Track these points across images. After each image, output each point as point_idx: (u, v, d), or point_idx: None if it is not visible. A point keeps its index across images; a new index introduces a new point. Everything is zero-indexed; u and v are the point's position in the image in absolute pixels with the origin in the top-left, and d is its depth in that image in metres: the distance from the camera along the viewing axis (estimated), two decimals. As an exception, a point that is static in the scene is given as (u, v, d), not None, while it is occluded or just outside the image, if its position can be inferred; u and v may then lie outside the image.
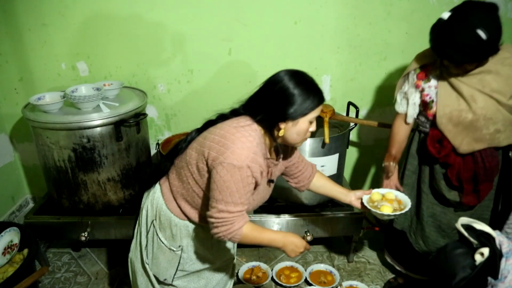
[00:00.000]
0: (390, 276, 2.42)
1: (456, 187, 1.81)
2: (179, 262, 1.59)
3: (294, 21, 2.55)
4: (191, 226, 1.54)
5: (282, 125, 1.36)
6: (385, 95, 2.80)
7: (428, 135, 1.81)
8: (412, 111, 1.88)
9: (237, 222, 1.35)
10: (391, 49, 2.66)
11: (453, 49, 1.53)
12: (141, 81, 2.67)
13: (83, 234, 2.26)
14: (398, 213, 1.55)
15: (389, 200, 1.64)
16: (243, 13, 2.51)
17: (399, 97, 1.93)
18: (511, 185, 1.87)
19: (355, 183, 3.12)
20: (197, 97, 2.73)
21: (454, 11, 1.59)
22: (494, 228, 1.41)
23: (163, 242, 1.57)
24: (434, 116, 1.76)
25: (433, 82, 1.76)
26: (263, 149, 1.41)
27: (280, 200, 2.38)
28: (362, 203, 1.66)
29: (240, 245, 2.57)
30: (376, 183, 3.11)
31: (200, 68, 2.65)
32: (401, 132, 1.95)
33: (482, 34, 1.48)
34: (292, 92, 1.33)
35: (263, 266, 2.43)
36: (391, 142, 1.98)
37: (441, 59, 1.64)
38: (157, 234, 1.58)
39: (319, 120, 2.36)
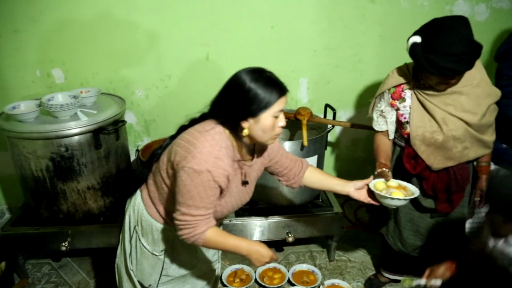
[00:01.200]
0: (370, 273, 2.48)
1: (431, 196, 1.88)
2: (162, 267, 1.60)
3: (270, 25, 2.59)
4: (172, 230, 1.53)
5: (245, 124, 1.34)
6: (361, 96, 2.87)
7: (404, 152, 1.86)
8: (392, 128, 1.91)
9: (199, 226, 1.36)
10: (365, 52, 2.73)
11: (454, 62, 1.54)
12: (119, 87, 2.65)
13: (63, 244, 2.23)
14: (408, 197, 1.57)
15: (395, 187, 1.66)
16: (220, 18, 2.53)
17: (375, 116, 1.94)
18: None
19: (334, 183, 3.18)
20: (176, 102, 2.73)
21: (432, 30, 1.61)
22: None
23: (145, 248, 1.57)
24: (409, 135, 1.82)
25: (407, 102, 1.81)
26: (231, 151, 1.40)
27: (261, 202, 2.41)
28: (367, 192, 1.66)
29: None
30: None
31: (178, 73, 2.65)
32: (384, 143, 1.94)
33: (473, 40, 1.55)
34: (248, 88, 1.31)
35: (246, 268, 2.45)
36: (378, 154, 1.91)
37: (441, 76, 1.62)
38: (139, 240, 1.58)
39: (298, 122, 2.41)
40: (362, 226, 2.84)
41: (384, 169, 1.77)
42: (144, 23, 2.49)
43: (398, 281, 2.31)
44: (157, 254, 1.57)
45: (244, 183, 1.51)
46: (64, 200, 2.19)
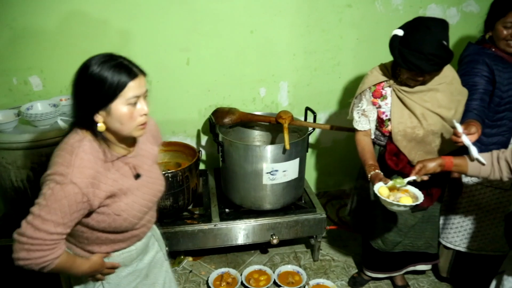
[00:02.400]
0: (354, 271, 2.54)
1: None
2: None
3: (250, 30, 2.62)
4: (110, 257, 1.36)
5: (98, 118, 1.17)
6: (340, 98, 2.93)
7: (386, 149, 1.92)
8: (373, 127, 1.97)
9: (58, 249, 1.15)
10: (343, 54, 2.79)
11: (422, 60, 1.62)
12: (99, 94, 2.63)
13: (46, 254, 2.20)
14: (415, 203, 1.62)
15: (397, 190, 1.70)
16: (200, 23, 2.54)
17: (357, 116, 1.97)
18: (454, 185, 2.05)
19: (316, 184, 3.24)
20: (157, 108, 2.71)
21: (412, 26, 1.70)
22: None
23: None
24: (390, 132, 1.89)
25: (388, 99, 1.87)
26: (100, 154, 1.20)
27: (245, 206, 2.43)
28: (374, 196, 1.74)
29: (209, 252, 2.62)
30: (337, 183, 3.25)
31: (158, 79, 2.65)
32: (367, 144, 1.97)
33: (445, 44, 1.63)
34: (91, 74, 1.12)
35: (232, 271, 2.47)
36: (365, 156, 1.93)
37: (409, 71, 1.70)
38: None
39: (279, 126, 2.45)
40: (344, 225, 2.90)
41: (376, 171, 1.82)
42: (123, 28, 2.48)
43: (381, 279, 2.37)
44: None
45: (137, 176, 1.31)
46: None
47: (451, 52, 1.66)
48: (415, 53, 1.62)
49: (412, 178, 1.68)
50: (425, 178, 1.68)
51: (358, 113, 1.97)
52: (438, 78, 1.80)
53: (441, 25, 1.66)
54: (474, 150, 1.61)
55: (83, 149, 1.17)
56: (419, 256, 2.18)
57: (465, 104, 1.88)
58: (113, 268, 1.37)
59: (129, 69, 1.17)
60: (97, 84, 1.13)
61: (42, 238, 1.10)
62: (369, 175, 1.82)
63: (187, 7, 2.48)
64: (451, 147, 1.89)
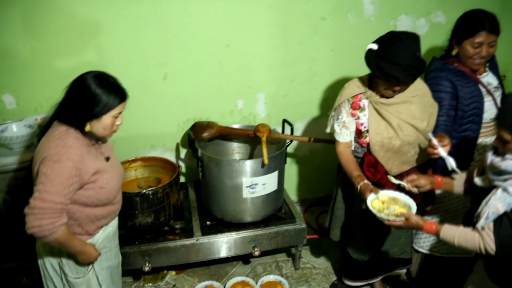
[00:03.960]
0: (334, 278, 2.60)
1: None
2: (97, 278, 1.70)
3: (226, 44, 2.64)
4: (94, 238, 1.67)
5: (88, 123, 1.50)
6: (317, 108, 2.99)
7: (364, 161, 1.97)
8: (353, 138, 2.02)
9: (63, 217, 1.45)
10: (319, 65, 2.85)
11: (399, 71, 1.70)
12: (75, 111, 2.60)
13: (25, 279, 2.18)
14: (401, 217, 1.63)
15: (388, 202, 1.73)
16: (176, 38, 2.55)
17: (337, 127, 2.00)
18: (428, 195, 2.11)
19: (296, 191, 3.29)
20: (135, 123, 2.71)
21: (386, 40, 1.77)
22: None
23: (77, 279, 1.64)
24: (368, 144, 1.94)
25: (366, 111, 1.93)
26: (82, 141, 1.53)
27: (226, 219, 2.46)
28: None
29: (192, 265, 2.63)
30: (316, 189, 3.31)
31: (135, 94, 2.59)
32: (350, 156, 2.01)
33: (419, 55, 1.73)
34: (94, 93, 1.46)
35: (216, 284, 2.50)
36: (350, 168, 1.95)
37: (387, 82, 1.77)
38: (65, 275, 1.63)
39: (258, 138, 2.48)
40: (324, 233, 2.96)
41: (365, 181, 1.85)
42: (98, 44, 2.46)
43: (360, 286, 2.43)
44: (84, 274, 1.65)
45: (107, 159, 1.68)
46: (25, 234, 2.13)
47: (424, 62, 1.76)
48: (392, 64, 1.70)
49: (403, 183, 1.75)
50: (414, 190, 1.75)
51: (339, 125, 2.00)
52: (411, 90, 1.88)
53: (413, 38, 1.75)
54: (452, 161, 1.70)
55: (71, 136, 1.49)
56: (394, 261, 2.26)
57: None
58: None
59: (121, 92, 1.53)
60: (94, 101, 1.46)
61: (50, 207, 1.40)
62: (358, 186, 1.85)
63: (163, 23, 2.48)
64: (426, 158, 1.97)
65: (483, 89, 2.04)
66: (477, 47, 1.92)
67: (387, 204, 1.74)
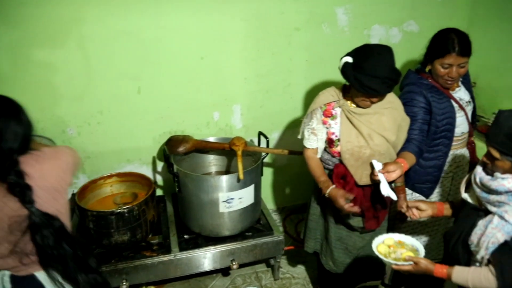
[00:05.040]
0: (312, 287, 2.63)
1: (358, 215, 2.03)
2: None
3: (200, 56, 2.63)
4: None
5: None
6: (292, 118, 3.00)
7: (333, 172, 1.99)
8: (321, 146, 2.04)
9: None
10: (294, 76, 2.87)
11: (378, 83, 1.73)
12: (48, 127, 2.55)
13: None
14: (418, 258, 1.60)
15: (395, 246, 1.71)
16: (149, 52, 2.53)
17: (307, 133, 2.02)
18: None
19: (274, 200, 3.30)
20: (111, 137, 2.69)
21: (362, 53, 1.79)
22: None
23: None
24: (338, 153, 1.96)
25: (338, 119, 1.95)
26: None
27: (204, 233, 2.45)
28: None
29: (171, 279, 2.62)
30: (294, 198, 3.33)
31: (110, 108, 2.61)
32: (316, 161, 2.05)
33: (395, 67, 1.77)
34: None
35: (195, 298, 2.50)
36: (316, 173, 2.00)
37: (366, 94, 1.80)
38: None
39: (234, 152, 2.48)
40: (302, 242, 2.98)
41: (332, 187, 1.90)
42: (69, 59, 2.42)
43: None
44: None
45: None
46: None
47: (400, 73, 1.81)
48: (371, 78, 1.73)
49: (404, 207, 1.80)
50: (415, 216, 1.81)
51: (308, 131, 2.02)
52: (384, 102, 1.92)
53: (389, 51, 1.79)
54: (383, 188, 1.78)
55: None
56: (369, 272, 2.29)
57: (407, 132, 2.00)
58: None
59: None
60: None
61: None
62: (327, 192, 1.88)
63: (135, 36, 2.46)
64: None
65: (455, 105, 2.08)
66: (446, 68, 1.95)
67: (394, 248, 1.71)
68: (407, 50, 2.92)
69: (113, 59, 2.48)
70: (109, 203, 2.45)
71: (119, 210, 2.18)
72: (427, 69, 2.06)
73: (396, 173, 1.80)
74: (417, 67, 2.14)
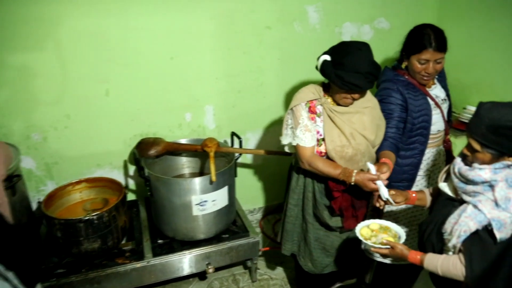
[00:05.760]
0: (290, 288, 2.62)
1: (338, 214, 2.02)
2: None
3: (170, 56, 2.57)
4: None
5: None
6: (266, 117, 2.98)
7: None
8: (315, 144, 1.94)
9: None
10: (266, 75, 2.84)
11: (360, 79, 1.72)
12: (10, 133, 2.44)
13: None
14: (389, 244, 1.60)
15: (378, 230, 1.71)
16: (116, 53, 2.45)
17: (300, 132, 1.89)
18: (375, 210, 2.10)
19: (251, 200, 3.26)
20: (79, 142, 2.59)
21: (342, 50, 1.78)
22: None
23: None
24: (321, 153, 1.93)
25: (322, 117, 1.92)
26: None
27: (178, 237, 2.40)
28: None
29: (146, 286, 2.55)
30: (271, 197, 3.30)
31: (77, 112, 2.52)
32: (323, 158, 1.92)
33: (375, 62, 1.77)
34: None
35: (170, 304, 2.44)
36: (330, 169, 1.86)
37: (348, 91, 1.79)
38: None
39: (207, 153, 2.43)
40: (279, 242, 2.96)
41: (356, 171, 1.80)
42: (35, 62, 2.32)
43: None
44: None
45: None
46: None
47: (380, 67, 1.82)
48: (353, 73, 1.72)
49: (386, 196, 1.73)
50: (394, 204, 1.75)
51: (301, 130, 1.88)
52: (364, 101, 1.91)
53: (368, 47, 1.80)
54: (385, 192, 1.72)
55: None
56: (346, 272, 2.29)
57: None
58: None
59: None
60: None
61: None
62: (353, 179, 1.80)
63: (101, 37, 2.39)
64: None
65: (431, 102, 2.08)
66: (423, 63, 1.95)
67: (376, 232, 1.72)
68: (378, 48, 2.87)
69: (78, 61, 2.40)
70: (79, 210, 2.36)
71: (87, 217, 2.11)
72: (403, 66, 2.06)
73: (386, 174, 1.78)
74: (394, 64, 2.13)
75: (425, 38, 1.91)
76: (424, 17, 2.93)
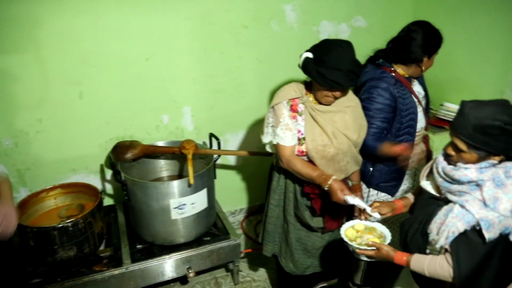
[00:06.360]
0: (273, 290, 2.59)
1: (319, 215, 1.99)
2: None
3: (145, 57, 2.52)
4: None
5: None
6: (245, 118, 2.95)
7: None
8: (296, 142, 1.91)
9: None
10: (244, 75, 2.81)
11: (341, 76, 1.70)
12: (-21, 139, 2.36)
13: None
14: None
15: (363, 231, 1.66)
16: (90, 54, 2.39)
17: (281, 131, 1.86)
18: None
19: (232, 202, 3.23)
20: (52, 147, 2.52)
21: (324, 48, 1.76)
22: None
23: None
24: (303, 152, 1.90)
25: (303, 116, 1.89)
26: None
27: (157, 242, 2.35)
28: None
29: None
30: (252, 198, 3.27)
31: (49, 116, 2.44)
32: (304, 160, 1.89)
33: (357, 60, 1.76)
34: None
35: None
36: (308, 170, 1.83)
37: (329, 88, 1.76)
38: None
39: (185, 156, 2.38)
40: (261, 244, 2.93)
41: (334, 177, 1.77)
42: (3, 63, 2.24)
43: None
44: None
45: None
46: None
47: (361, 66, 1.81)
48: (334, 70, 1.70)
49: (359, 204, 1.71)
50: (377, 216, 1.72)
51: (282, 129, 1.86)
52: (346, 100, 1.89)
53: (350, 45, 1.78)
54: (362, 205, 1.72)
55: None
56: (328, 272, 2.28)
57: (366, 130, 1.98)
58: None
59: None
60: None
61: None
62: (328, 183, 1.76)
63: (73, 38, 2.32)
64: (353, 168, 1.99)
65: (415, 99, 2.08)
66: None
67: (361, 233, 1.67)
68: (356, 46, 2.89)
69: (50, 63, 2.32)
70: (53, 217, 2.29)
71: (61, 225, 2.04)
72: (423, 67, 2.04)
73: (380, 211, 1.73)
74: (379, 62, 2.10)
75: (441, 38, 2.04)
76: (400, 15, 2.96)
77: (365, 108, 1.99)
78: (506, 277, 1.43)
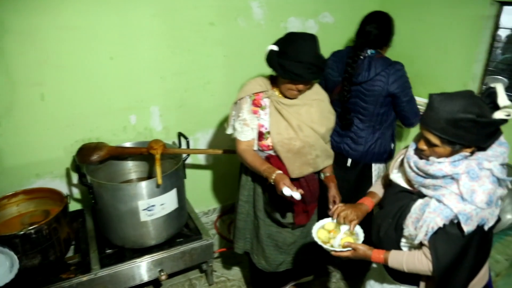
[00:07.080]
0: (249, 288, 2.57)
1: (289, 210, 1.98)
2: None
3: (109, 56, 2.45)
4: None
5: None
6: (216, 116, 2.91)
7: (271, 163, 1.87)
8: (256, 137, 1.92)
9: None
10: (213, 73, 2.77)
11: (302, 69, 1.70)
12: None
13: None
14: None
15: (335, 230, 1.62)
16: (51, 53, 2.30)
17: (239, 126, 1.90)
18: (325, 199, 2.09)
19: (204, 202, 3.19)
20: (13, 151, 2.41)
21: (287, 41, 1.77)
22: None
23: None
24: (268, 146, 1.89)
25: (267, 110, 1.88)
26: None
27: (127, 246, 2.28)
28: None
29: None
30: (224, 198, 3.24)
31: (8, 119, 2.33)
32: (254, 152, 1.92)
33: (320, 54, 1.76)
34: None
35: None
36: (256, 163, 1.85)
37: (291, 81, 1.76)
38: None
39: (153, 158, 2.33)
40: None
41: (278, 172, 1.75)
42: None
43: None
44: None
45: None
46: None
47: (325, 60, 1.81)
48: (295, 63, 1.70)
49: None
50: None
51: (240, 123, 1.91)
52: (311, 93, 1.90)
53: (313, 38, 1.78)
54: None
55: None
56: (301, 270, 2.27)
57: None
58: None
59: None
60: None
61: None
62: (273, 177, 1.73)
63: (32, 37, 2.22)
64: (324, 163, 1.99)
65: None
66: None
67: (333, 233, 1.62)
68: (323, 41, 2.88)
69: (8, 63, 2.22)
70: (16, 225, 2.20)
71: (23, 232, 1.96)
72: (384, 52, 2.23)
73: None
74: (372, 52, 2.19)
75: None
76: (367, 11, 2.96)
77: (408, 88, 2.18)
78: (479, 264, 1.47)
